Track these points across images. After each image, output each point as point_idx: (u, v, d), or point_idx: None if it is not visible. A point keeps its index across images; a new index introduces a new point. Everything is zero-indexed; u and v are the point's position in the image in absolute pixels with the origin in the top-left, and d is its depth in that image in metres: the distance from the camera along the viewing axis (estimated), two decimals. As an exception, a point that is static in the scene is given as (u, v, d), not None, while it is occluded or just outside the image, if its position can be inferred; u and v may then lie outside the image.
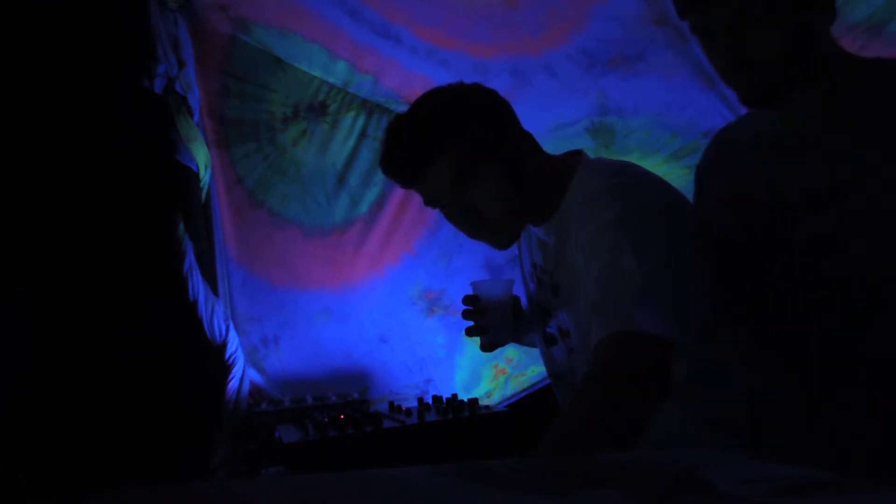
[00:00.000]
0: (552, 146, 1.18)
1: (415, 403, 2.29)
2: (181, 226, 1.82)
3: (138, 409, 1.68)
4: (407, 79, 2.15)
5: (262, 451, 2.01)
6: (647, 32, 1.70)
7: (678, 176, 2.26)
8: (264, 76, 2.15)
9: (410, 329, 2.47)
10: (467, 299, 1.29)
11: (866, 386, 0.88)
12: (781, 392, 0.98)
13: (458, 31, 1.85)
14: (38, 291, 1.59)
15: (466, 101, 1.07)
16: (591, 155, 1.14)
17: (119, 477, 1.59)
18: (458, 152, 1.02)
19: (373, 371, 2.41)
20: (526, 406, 2.53)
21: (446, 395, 2.25)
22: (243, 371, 2.11)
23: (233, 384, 2.05)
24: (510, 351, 2.54)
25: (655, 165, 2.28)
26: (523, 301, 1.34)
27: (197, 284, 1.86)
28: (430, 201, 1.09)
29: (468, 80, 1.11)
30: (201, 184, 1.98)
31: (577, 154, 1.12)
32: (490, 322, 1.25)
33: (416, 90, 2.14)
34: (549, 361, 1.23)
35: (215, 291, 2.04)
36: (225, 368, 2.02)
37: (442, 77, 2.02)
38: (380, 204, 2.38)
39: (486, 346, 1.26)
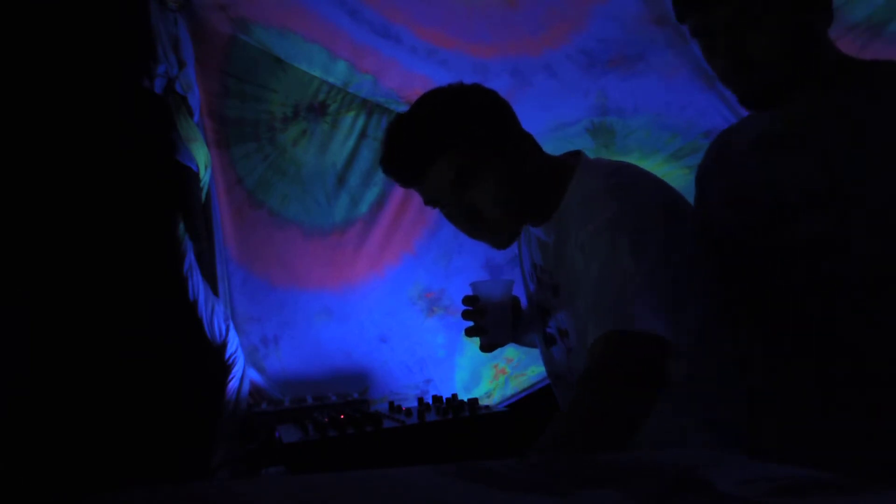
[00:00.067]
0: (552, 146, 1.18)
1: (415, 403, 2.29)
2: (181, 226, 1.82)
3: (138, 409, 1.68)
4: (407, 79, 2.15)
5: (262, 451, 2.01)
6: (647, 32, 1.70)
7: (678, 176, 2.26)
8: (264, 76, 2.16)
9: (410, 329, 2.47)
10: (467, 300, 1.29)
11: (866, 386, 0.88)
12: (781, 392, 0.98)
13: (458, 31, 1.85)
14: (38, 291, 1.59)
15: (466, 102, 1.07)
16: (591, 155, 1.15)
17: (119, 477, 1.59)
18: (458, 152, 1.02)
19: (373, 371, 2.41)
20: (526, 406, 2.53)
21: (446, 395, 2.25)
22: (243, 371, 2.11)
23: (233, 384, 2.05)
24: (510, 351, 2.54)
25: (655, 165, 2.28)
26: (523, 301, 1.34)
27: (197, 284, 1.86)
28: (430, 201, 1.10)
29: (468, 80, 1.11)
30: (201, 184, 1.98)
31: (576, 154, 1.12)
32: (490, 322, 1.25)
33: (416, 90, 2.14)
34: (548, 362, 1.23)
35: (215, 291, 2.04)
36: (225, 368, 2.02)
37: (442, 77, 2.02)
38: (380, 204, 2.39)
39: (486, 347, 1.26)
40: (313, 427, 1.89)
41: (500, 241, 1.10)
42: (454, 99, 1.07)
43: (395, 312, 2.45)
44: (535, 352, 1.32)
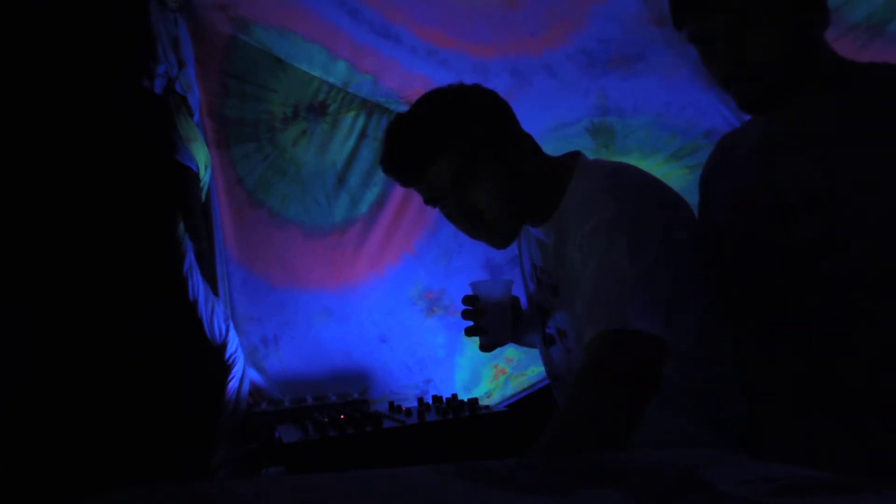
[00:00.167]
0: (552, 146, 1.18)
1: (415, 403, 2.29)
2: (181, 226, 1.82)
3: (138, 409, 1.68)
4: (407, 79, 2.15)
5: (262, 451, 2.01)
6: (647, 32, 1.70)
7: (678, 176, 2.26)
8: (264, 76, 2.16)
9: (410, 329, 2.47)
10: (467, 299, 1.29)
11: (866, 386, 0.88)
12: (781, 392, 0.98)
13: (458, 31, 1.85)
14: (38, 291, 1.59)
15: (467, 102, 1.07)
16: (592, 155, 1.15)
17: (119, 477, 1.59)
18: (458, 152, 1.02)
19: (373, 371, 2.41)
20: (526, 406, 2.53)
21: (446, 395, 2.25)
22: (243, 371, 2.11)
23: (233, 384, 2.05)
24: (510, 351, 2.55)
25: (655, 165, 2.28)
26: (523, 301, 1.34)
27: (197, 284, 1.86)
28: (429, 200, 1.10)
29: (468, 80, 1.11)
30: (201, 184, 1.98)
31: (575, 155, 1.12)
32: (489, 322, 1.25)
33: (416, 90, 2.14)
34: (547, 362, 1.23)
35: (215, 291, 2.04)
36: (225, 368, 2.02)
37: (442, 77, 2.02)
38: (380, 204, 2.39)
39: (486, 347, 1.27)
40: (313, 427, 1.89)
41: (499, 241, 1.11)
42: (454, 99, 1.07)
43: (395, 312, 2.45)
44: (535, 352, 1.32)
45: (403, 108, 1.73)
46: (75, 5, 1.67)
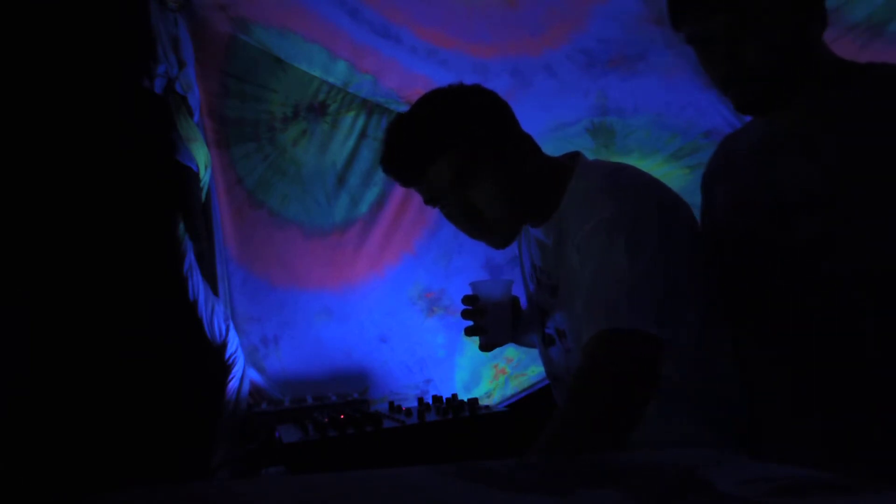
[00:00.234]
0: (552, 146, 1.18)
1: (415, 403, 2.29)
2: (181, 226, 1.82)
3: (138, 409, 1.68)
4: (407, 79, 2.15)
5: (262, 451, 2.01)
6: (647, 32, 1.70)
7: (678, 176, 2.26)
8: (264, 76, 2.16)
9: (410, 329, 2.47)
10: (467, 299, 1.29)
11: (866, 386, 0.88)
12: (781, 392, 0.98)
13: (458, 31, 1.85)
14: (38, 291, 1.59)
15: (467, 102, 1.07)
16: (592, 155, 1.15)
17: (119, 477, 1.59)
18: (458, 152, 1.02)
19: (373, 371, 2.41)
20: (526, 406, 2.53)
21: (446, 395, 2.25)
22: (243, 371, 2.11)
23: (233, 384, 2.05)
24: (510, 351, 2.54)
25: (655, 165, 2.28)
26: (523, 302, 1.34)
27: (197, 284, 1.86)
28: (429, 200, 1.10)
29: (468, 80, 1.11)
30: (201, 184, 1.98)
31: (574, 156, 1.12)
32: (489, 322, 1.25)
33: (416, 90, 2.14)
34: (547, 363, 1.23)
35: (215, 291, 2.04)
36: (225, 368, 2.02)
37: (442, 77, 2.02)
38: (380, 204, 2.39)
39: (485, 347, 1.27)
40: (313, 427, 1.89)
41: (499, 241, 1.11)
42: (454, 99, 1.07)
43: (395, 312, 2.45)
44: (535, 352, 1.32)
45: (403, 108, 1.73)
46: (75, 5, 1.67)
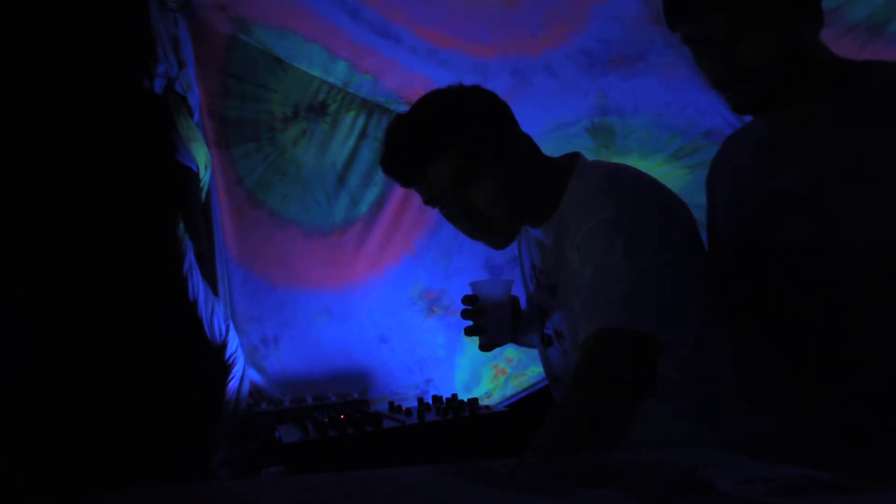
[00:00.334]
0: (552, 146, 1.18)
1: (415, 403, 2.29)
2: (181, 226, 1.82)
3: (138, 409, 1.68)
4: (407, 79, 2.15)
5: (262, 451, 2.01)
6: (647, 32, 1.70)
7: (678, 176, 2.26)
8: (264, 76, 2.16)
9: (410, 329, 2.47)
10: (466, 299, 1.29)
11: (865, 385, 0.88)
12: (781, 392, 0.98)
13: (458, 31, 1.85)
14: (38, 291, 1.59)
15: (467, 102, 1.07)
16: (592, 155, 1.15)
17: (119, 477, 1.59)
18: (458, 152, 1.02)
19: (373, 371, 2.41)
20: (526, 406, 2.53)
21: (446, 395, 2.25)
22: (243, 371, 2.11)
23: (233, 384, 2.05)
24: (510, 351, 2.54)
25: (655, 165, 2.28)
26: (523, 302, 1.34)
27: (197, 284, 1.86)
28: (429, 200, 1.10)
29: (468, 80, 1.11)
30: (201, 184, 1.98)
31: (574, 156, 1.12)
32: (489, 322, 1.25)
33: (416, 90, 2.14)
34: (546, 363, 1.23)
35: (215, 291, 2.04)
36: (225, 368, 2.02)
37: (442, 77, 2.02)
38: (380, 204, 2.39)
39: (485, 346, 1.27)
40: (313, 427, 1.89)
41: (498, 242, 1.11)
42: (454, 99, 1.07)
43: (395, 312, 2.45)
44: (535, 352, 1.32)
45: (403, 108, 1.73)
46: (75, 5, 1.67)
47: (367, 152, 2.34)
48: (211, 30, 2.04)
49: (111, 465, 1.60)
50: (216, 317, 1.96)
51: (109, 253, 1.69)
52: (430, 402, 2.25)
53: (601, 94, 2.05)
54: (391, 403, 2.19)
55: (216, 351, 1.99)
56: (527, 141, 1.10)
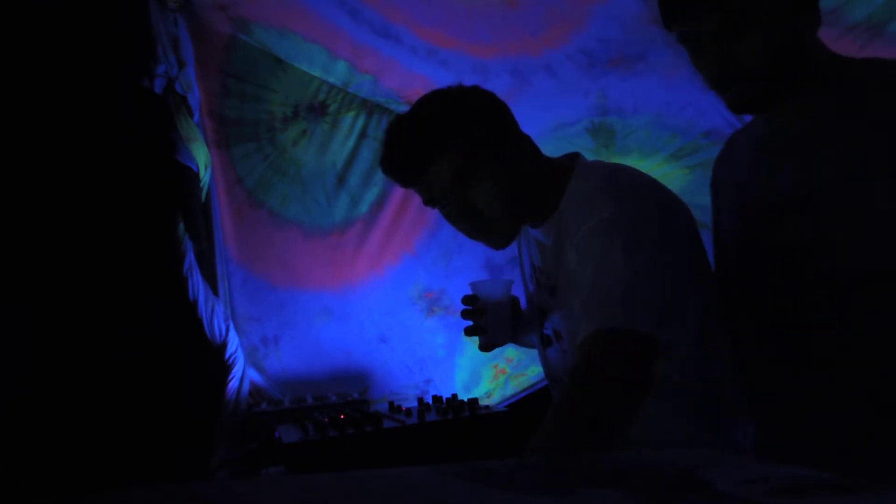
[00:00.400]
0: (552, 146, 1.18)
1: (415, 403, 2.29)
2: (181, 226, 1.82)
3: (138, 409, 1.68)
4: (407, 79, 2.15)
5: (262, 451, 2.01)
6: (647, 32, 1.70)
7: (678, 176, 2.26)
8: (264, 76, 2.16)
9: (410, 329, 2.47)
10: (466, 299, 1.29)
11: (866, 386, 0.88)
12: (781, 392, 0.98)
13: (458, 31, 1.85)
14: (38, 291, 1.59)
15: (466, 102, 1.07)
16: (592, 155, 1.15)
17: (119, 477, 1.59)
18: (458, 152, 1.02)
19: (373, 371, 2.41)
20: (526, 406, 2.53)
21: (446, 395, 2.25)
22: (243, 371, 2.11)
23: (233, 384, 2.05)
24: (510, 351, 2.54)
25: (655, 165, 2.28)
26: (523, 302, 1.35)
27: (197, 284, 1.86)
28: (429, 201, 1.10)
29: (468, 80, 1.11)
30: (201, 184, 1.98)
31: (574, 156, 1.12)
32: (489, 322, 1.25)
33: (416, 90, 2.14)
34: (545, 363, 1.23)
35: (215, 291, 2.04)
36: (225, 368, 2.02)
37: (442, 77, 2.02)
38: (380, 204, 2.39)
39: (485, 347, 1.27)
40: (313, 427, 1.89)
41: (498, 242, 1.11)
42: (454, 100, 1.07)
43: (395, 312, 2.45)
44: (535, 352, 1.32)
45: (403, 108, 1.73)
46: (75, 5, 1.67)
47: (367, 152, 2.34)
48: (211, 30, 2.04)
49: (111, 465, 1.60)
50: (216, 317, 1.96)
51: (109, 253, 1.69)
52: (430, 402, 2.25)
53: (601, 94, 2.05)
54: (391, 403, 2.19)
55: (216, 351, 1.99)
56: (526, 141, 1.10)
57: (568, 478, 0.44)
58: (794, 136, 0.93)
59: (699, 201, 1.19)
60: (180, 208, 1.85)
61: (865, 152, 0.86)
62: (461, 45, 1.91)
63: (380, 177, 2.34)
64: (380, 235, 2.39)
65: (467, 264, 2.51)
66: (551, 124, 2.21)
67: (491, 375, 2.60)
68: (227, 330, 2.03)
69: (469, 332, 1.28)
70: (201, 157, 1.95)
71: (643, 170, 1.09)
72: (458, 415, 2.04)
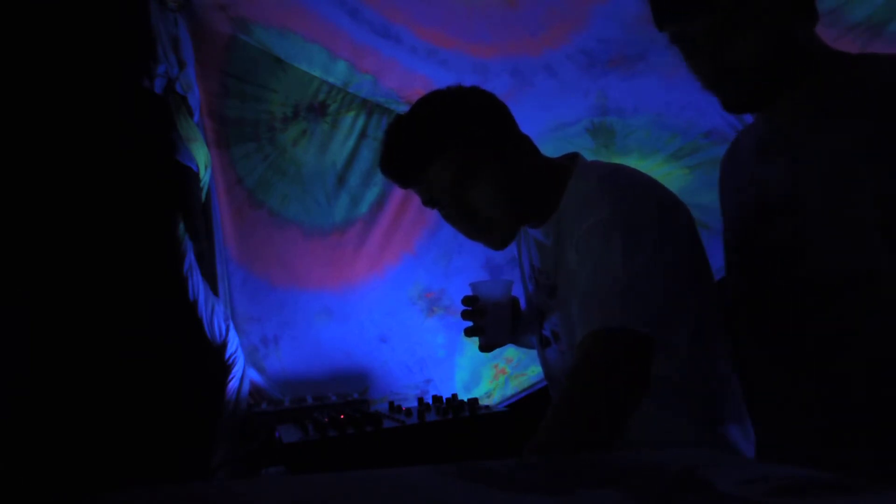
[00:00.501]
0: (552, 146, 1.18)
1: (415, 403, 2.29)
2: (181, 226, 1.82)
3: (138, 409, 1.68)
4: (407, 79, 2.15)
5: (262, 451, 2.01)
6: (647, 32, 1.69)
7: (678, 176, 2.26)
8: (264, 76, 2.15)
9: (410, 329, 2.47)
10: (466, 300, 1.29)
11: (865, 386, 0.88)
12: (781, 392, 0.98)
13: (458, 31, 1.85)
14: (38, 291, 1.59)
15: (466, 103, 1.07)
16: (592, 155, 1.15)
17: (119, 477, 1.59)
18: (457, 153, 1.02)
19: (373, 371, 2.41)
20: (526, 406, 2.53)
21: (446, 395, 2.25)
22: (243, 371, 2.11)
23: (233, 384, 2.05)
24: (510, 351, 2.54)
25: (655, 165, 2.28)
26: (523, 302, 1.35)
27: (197, 284, 1.86)
28: (428, 201, 1.10)
29: (468, 80, 1.11)
30: (201, 184, 1.98)
31: (573, 156, 1.12)
32: (489, 322, 1.25)
33: (416, 90, 2.14)
34: (544, 364, 1.23)
35: (215, 291, 2.04)
36: (225, 368, 2.02)
37: (442, 77, 2.02)
38: (380, 204, 2.38)
39: (485, 347, 1.27)
40: (313, 427, 1.89)
41: (497, 242, 1.11)
42: (453, 100, 1.07)
43: (395, 312, 2.44)
44: (535, 352, 1.32)
45: (403, 108, 1.73)
46: (75, 5, 1.67)
47: (367, 152, 2.34)
48: (211, 30, 2.04)
49: (111, 465, 1.60)
50: (216, 317, 1.96)
51: (109, 253, 1.69)
52: (430, 402, 2.25)
53: (601, 94, 2.05)
54: (391, 403, 2.19)
55: (216, 351, 1.99)
56: (526, 141, 1.10)
57: (568, 478, 0.44)
58: (790, 136, 0.93)
59: (699, 201, 1.19)
60: (180, 208, 1.85)
61: (866, 152, 0.85)
62: (461, 45, 1.91)
63: (380, 177, 2.33)
64: (380, 235, 2.39)
65: (467, 264, 2.51)
66: (551, 124, 2.21)
67: (491, 375, 2.60)
68: (227, 330, 2.03)
69: (469, 332, 1.28)
70: (201, 157, 1.95)
71: (643, 170, 1.09)
72: (458, 415, 2.04)
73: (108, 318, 1.66)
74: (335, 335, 2.36)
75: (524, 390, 2.65)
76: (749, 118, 1.14)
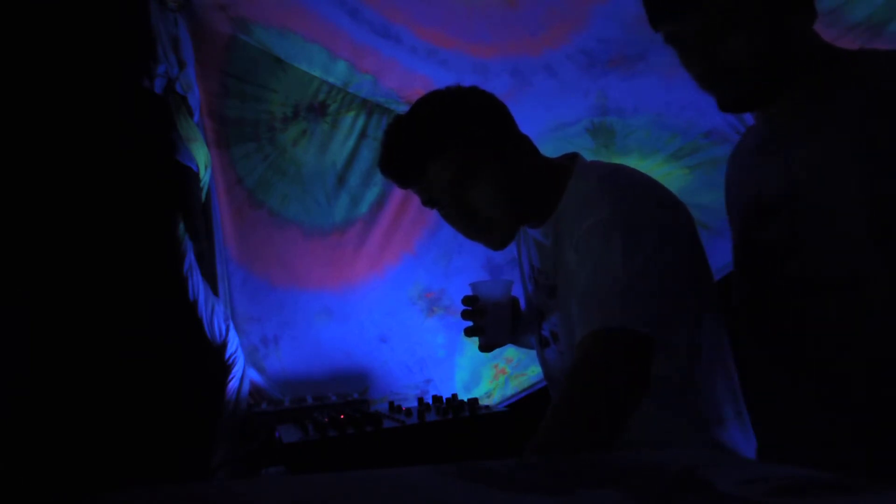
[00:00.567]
0: (552, 146, 1.18)
1: (415, 403, 2.29)
2: (181, 226, 1.82)
3: (138, 409, 1.68)
4: (407, 79, 2.15)
5: (262, 451, 2.01)
6: (647, 32, 1.69)
7: (678, 176, 2.26)
8: (264, 76, 2.15)
9: (410, 329, 2.47)
10: (466, 300, 1.29)
11: (866, 386, 0.88)
12: (781, 392, 0.98)
13: (458, 31, 1.85)
14: (38, 291, 1.59)
15: (465, 103, 1.07)
16: (592, 155, 1.15)
17: (119, 477, 1.59)
18: (456, 153, 1.02)
19: (373, 371, 2.41)
20: (526, 406, 2.53)
21: (446, 395, 2.25)
22: (243, 371, 2.11)
23: (233, 384, 2.05)
24: (510, 351, 2.54)
25: (655, 165, 2.28)
26: (522, 303, 1.35)
27: (197, 284, 1.86)
28: (427, 201, 1.10)
29: (468, 80, 1.11)
30: (201, 184, 1.98)
31: (573, 157, 1.12)
32: (489, 323, 1.25)
33: (416, 90, 2.14)
34: (543, 364, 1.23)
35: (215, 291, 2.04)
36: (225, 368, 2.02)
37: (442, 77, 2.02)
38: (380, 204, 2.38)
39: (485, 347, 1.27)
40: (313, 427, 1.89)
41: (496, 242, 1.11)
42: (453, 100, 1.07)
43: (395, 312, 2.44)
44: (535, 352, 1.32)
45: (403, 108, 1.73)
46: (75, 5, 1.67)
47: (367, 152, 2.34)
48: (211, 30, 2.04)
49: (111, 465, 1.60)
50: (216, 317, 1.96)
51: (109, 253, 1.69)
52: (430, 402, 2.25)
53: (601, 94, 2.05)
54: (391, 403, 2.19)
55: (216, 351, 1.99)
56: (525, 141, 1.10)
57: (568, 478, 0.44)
58: (789, 135, 0.93)
59: (699, 201, 1.19)
60: (180, 208, 1.85)
61: (865, 152, 0.85)
62: (461, 45, 1.91)
63: (380, 177, 2.33)
64: (380, 235, 2.39)
65: (467, 264, 2.51)
66: (551, 124, 2.21)
67: (491, 375, 2.60)
68: (227, 330, 2.03)
69: (469, 332, 1.28)
70: (201, 157, 1.95)
71: (643, 170, 1.09)
72: (458, 415, 2.04)
73: (108, 318, 1.66)
74: (335, 335, 2.36)
75: (524, 390, 2.65)
76: (749, 118, 1.14)
